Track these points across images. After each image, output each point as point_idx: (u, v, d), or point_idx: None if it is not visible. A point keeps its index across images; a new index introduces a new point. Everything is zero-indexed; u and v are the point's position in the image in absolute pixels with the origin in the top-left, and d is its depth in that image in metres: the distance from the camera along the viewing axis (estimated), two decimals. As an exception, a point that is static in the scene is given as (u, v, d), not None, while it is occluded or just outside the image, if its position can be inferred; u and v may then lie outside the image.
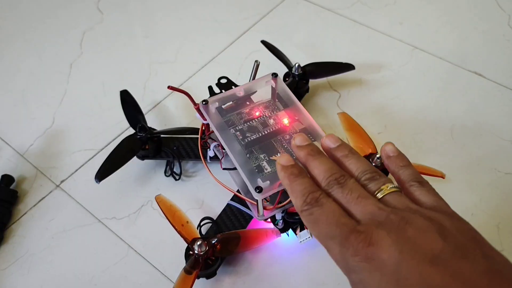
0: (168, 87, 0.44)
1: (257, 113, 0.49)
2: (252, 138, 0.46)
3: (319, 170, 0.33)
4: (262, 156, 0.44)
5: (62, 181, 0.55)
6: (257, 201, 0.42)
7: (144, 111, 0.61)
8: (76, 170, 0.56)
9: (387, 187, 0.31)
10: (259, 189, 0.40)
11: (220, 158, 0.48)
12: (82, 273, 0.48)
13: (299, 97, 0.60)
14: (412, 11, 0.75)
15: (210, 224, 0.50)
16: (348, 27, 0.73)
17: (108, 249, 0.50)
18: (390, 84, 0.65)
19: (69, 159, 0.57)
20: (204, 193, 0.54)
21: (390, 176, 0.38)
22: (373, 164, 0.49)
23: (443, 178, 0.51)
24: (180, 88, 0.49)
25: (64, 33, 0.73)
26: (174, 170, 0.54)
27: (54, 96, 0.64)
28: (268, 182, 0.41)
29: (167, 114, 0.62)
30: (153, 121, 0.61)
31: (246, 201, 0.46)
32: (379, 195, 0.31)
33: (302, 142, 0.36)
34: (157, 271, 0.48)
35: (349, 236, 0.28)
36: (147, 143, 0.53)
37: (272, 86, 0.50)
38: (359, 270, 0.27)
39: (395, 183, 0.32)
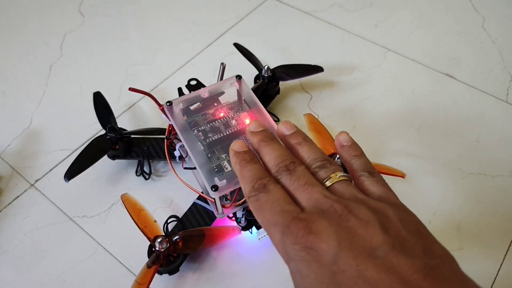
0: (129, 88, 0.46)
1: (222, 114, 0.50)
2: (214, 139, 0.47)
3: (270, 156, 0.32)
4: (223, 155, 0.46)
5: (36, 180, 0.57)
6: (214, 199, 0.43)
7: (119, 112, 0.63)
8: (51, 170, 0.58)
9: (336, 175, 0.30)
10: (215, 188, 0.41)
11: (184, 158, 0.50)
12: (52, 269, 0.49)
13: (270, 99, 0.61)
14: (388, 13, 0.76)
15: (176, 222, 0.51)
16: (323, 29, 0.74)
17: (77, 247, 0.51)
18: (361, 86, 0.66)
19: (44, 159, 0.59)
20: (173, 192, 0.55)
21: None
22: None
23: (403, 177, 0.53)
24: (153, 90, 0.50)
25: (45, 35, 0.74)
26: (145, 169, 0.56)
27: (33, 98, 0.66)
28: (224, 181, 0.42)
29: (141, 115, 0.63)
30: (128, 122, 0.62)
31: (208, 200, 0.47)
32: (327, 183, 0.30)
33: (256, 128, 0.35)
34: (124, 268, 0.49)
35: (291, 223, 0.27)
36: (117, 143, 0.54)
37: (236, 88, 0.51)
38: (298, 260, 0.26)
39: (346, 173, 0.32)
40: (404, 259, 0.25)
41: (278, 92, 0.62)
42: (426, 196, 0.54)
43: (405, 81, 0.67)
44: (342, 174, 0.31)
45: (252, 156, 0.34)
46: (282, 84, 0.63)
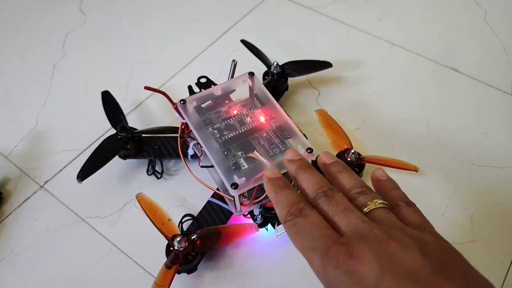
0: (145, 87, 0.45)
1: (235, 112, 0.50)
2: (229, 136, 0.47)
3: (308, 182, 0.33)
4: (239, 153, 0.46)
5: (46, 182, 0.56)
6: (233, 197, 0.43)
7: (126, 111, 0.62)
8: (60, 171, 0.57)
9: (375, 202, 0.31)
10: (235, 186, 0.41)
11: (199, 156, 0.50)
12: (66, 270, 0.49)
13: (279, 95, 0.61)
14: (391, 8, 0.77)
15: (191, 221, 0.51)
16: (328, 25, 0.74)
17: (91, 248, 0.51)
18: (368, 81, 0.66)
19: (52, 159, 0.58)
20: (186, 190, 0.55)
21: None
22: (348, 159, 0.50)
23: (417, 171, 0.53)
24: (160, 88, 0.50)
25: (47, 35, 0.73)
26: (156, 169, 0.55)
27: (37, 98, 0.65)
28: (244, 178, 0.42)
29: (149, 113, 0.63)
30: (136, 121, 0.62)
31: (225, 198, 0.47)
32: (366, 210, 0.30)
33: (294, 157, 0.36)
34: (140, 268, 0.49)
35: (331, 248, 0.27)
36: (128, 142, 0.54)
37: (249, 85, 0.51)
38: (340, 284, 0.27)
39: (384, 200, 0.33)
40: (445, 282, 0.25)
41: (287, 88, 0.62)
42: (438, 190, 0.55)
43: (411, 75, 0.67)
44: (381, 201, 0.31)
45: (286, 182, 0.34)
46: (290, 81, 0.63)
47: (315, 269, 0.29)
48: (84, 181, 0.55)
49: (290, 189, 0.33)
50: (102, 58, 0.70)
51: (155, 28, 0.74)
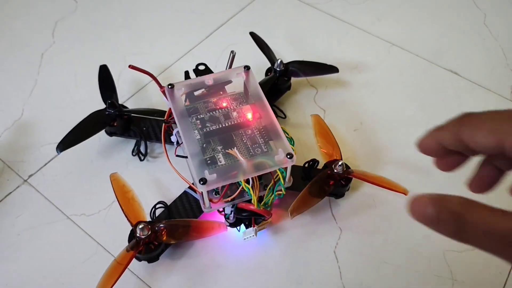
0: (129, 66, 0.44)
1: (224, 104, 0.48)
2: (211, 129, 0.46)
3: None
4: (219, 148, 0.44)
5: (30, 176, 0.54)
6: (202, 192, 0.42)
7: (120, 100, 0.60)
8: (45, 164, 0.55)
9: None
10: (203, 181, 0.40)
11: (179, 144, 0.48)
12: (49, 271, 0.47)
13: (279, 93, 0.59)
14: (391, 7, 0.75)
15: (164, 209, 0.49)
16: (326, 22, 0.73)
17: (76, 247, 0.48)
18: (367, 81, 0.65)
19: (38, 152, 0.55)
20: (166, 176, 0.53)
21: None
22: (335, 170, 0.48)
23: (406, 194, 0.50)
24: (146, 71, 0.48)
25: (36, 22, 0.70)
26: (141, 150, 0.54)
27: (24, 87, 0.62)
28: (214, 175, 0.40)
29: (142, 104, 0.60)
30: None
31: (196, 191, 0.46)
32: None
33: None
34: (127, 270, 0.47)
35: None
36: (115, 120, 0.53)
37: (243, 79, 0.49)
38: None
39: None
40: None
41: (289, 87, 0.60)
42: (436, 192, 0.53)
43: (410, 76, 0.66)
44: None
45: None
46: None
47: None
48: (70, 175, 0.53)
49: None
50: (93, 47, 0.67)
51: (149, 19, 0.72)
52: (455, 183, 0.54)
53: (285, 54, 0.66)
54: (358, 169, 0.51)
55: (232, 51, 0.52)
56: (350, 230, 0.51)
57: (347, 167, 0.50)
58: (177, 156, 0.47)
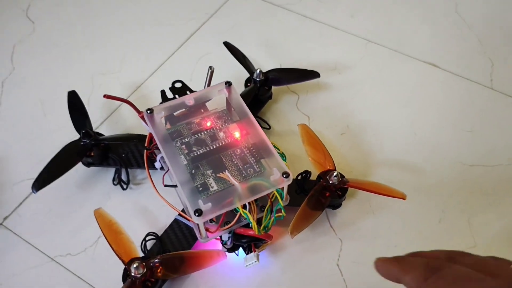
0: (104, 96, 0.41)
1: (208, 124, 0.46)
2: (199, 153, 0.43)
3: (435, 251, 0.30)
4: (209, 172, 0.42)
5: (5, 218, 0.50)
6: (198, 224, 0.39)
7: (94, 125, 0.56)
8: (20, 204, 0.51)
9: None
10: (198, 212, 0.37)
11: (165, 172, 0.45)
12: (38, 321, 0.43)
13: (262, 104, 0.57)
14: (362, 2, 0.74)
15: (155, 240, 0.46)
16: (299, 23, 0.71)
17: (65, 291, 0.45)
18: (348, 81, 0.63)
19: (10, 192, 0.51)
20: (153, 203, 0.50)
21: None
22: (330, 181, 0.47)
23: (404, 199, 0.47)
24: (122, 97, 0.45)
25: (-9, 47, 0.65)
26: (122, 178, 0.51)
27: (-14, 121, 0.57)
28: (209, 204, 0.38)
29: (117, 127, 0.57)
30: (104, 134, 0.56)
31: (190, 221, 0.43)
32: None
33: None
34: (124, 310, 0.44)
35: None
36: (92, 149, 0.50)
37: (225, 96, 0.47)
38: None
39: None
40: None
41: (270, 97, 0.58)
42: (432, 194, 0.52)
43: (391, 72, 0.65)
44: None
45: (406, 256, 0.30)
46: (268, 86, 0.59)
47: None
48: (49, 212, 0.50)
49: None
50: (57, 71, 0.63)
51: (114, 35, 0.68)
52: (447, 184, 0.53)
53: (262, 60, 0.64)
54: (353, 178, 0.49)
55: (210, 67, 0.49)
56: (351, 240, 0.49)
57: (342, 176, 0.48)
58: (166, 186, 0.44)
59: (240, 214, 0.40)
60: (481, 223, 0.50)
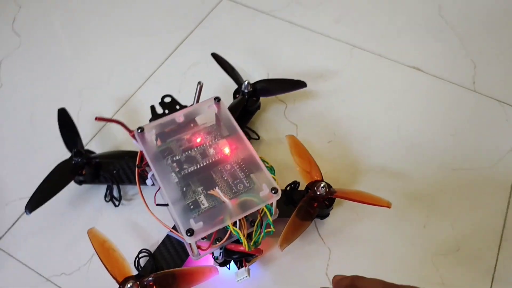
0: (96, 118, 0.42)
1: (199, 140, 0.46)
2: (190, 170, 0.44)
3: (373, 282, 0.33)
4: (199, 189, 0.42)
5: (-2, 238, 0.50)
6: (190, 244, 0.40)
7: (84, 141, 0.57)
8: (13, 224, 0.51)
9: None
10: (190, 232, 0.38)
11: (156, 191, 0.46)
12: None
13: (250, 115, 0.58)
14: (346, 8, 0.74)
15: (148, 257, 0.47)
16: (285, 30, 0.71)
17: (61, 310, 0.46)
18: (334, 88, 0.64)
19: (3, 212, 0.52)
20: (145, 219, 0.51)
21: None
22: (318, 192, 0.48)
23: (389, 207, 0.48)
24: (116, 114, 0.46)
25: (-23, 63, 0.65)
26: (114, 194, 0.52)
27: (-24, 139, 0.58)
28: (201, 223, 0.39)
29: (107, 143, 0.58)
30: (96, 147, 0.56)
31: (182, 239, 0.44)
32: None
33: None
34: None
35: None
36: (83, 168, 0.50)
37: (214, 112, 0.48)
38: None
39: None
40: None
41: (258, 107, 0.58)
42: (416, 199, 0.54)
43: (376, 78, 0.66)
44: None
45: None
46: (255, 96, 0.60)
47: None
48: (42, 232, 0.51)
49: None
50: (45, 85, 0.63)
51: (100, 47, 0.68)
52: (431, 188, 0.54)
53: (249, 69, 0.65)
54: (340, 188, 0.50)
55: (199, 82, 0.50)
56: (339, 248, 0.50)
57: (329, 186, 0.49)
58: (158, 205, 0.45)
59: (231, 231, 0.41)
60: (464, 227, 0.52)
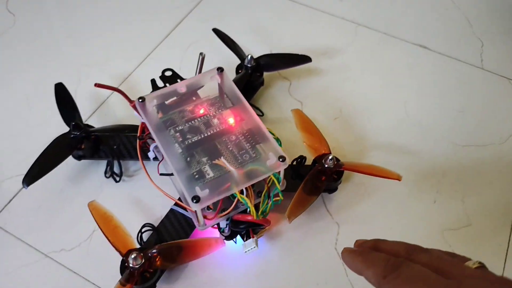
0: (95, 84, 0.41)
1: (202, 111, 0.45)
2: (193, 140, 0.42)
3: (396, 244, 0.31)
4: (204, 159, 0.41)
5: (-6, 216, 0.48)
6: (195, 211, 0.39)
7: (84, 117, 0.55)
8: (10, 201, 0.49)
9: (471, 262, 0.29)
10: (196, 199, 0.37)
11: (159, 161, 0.44)
12: (35, 319, 0.42)
13: (254, 91, 0.56)
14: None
15: (152, 231, 0.46)
16: (288, 8, 0.70)
17: (62, 287, 0.44)
18: (339, 66, 0.63)
19: (-1, 189, 0.50)
20: (147, 194, 0.50)
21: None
22: (326, 165, 0.46)
23: (399, 180, 0.47)
24: (115, 87, 0.44)
25: (-29, 41, 0.63)
26: (115, 170, 0.50)
27: (-30, 117, 0.56)
28: (207, 190, 0.37)
29: (107, 120, 0.56)
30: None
31: (187, 209, 0.42)
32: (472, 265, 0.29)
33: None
34: (122, 303, 0.43)
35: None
36: (82, 142, 0.48)
37: (218, 82, 0.46)
38: None
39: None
40: None
41: (262, 83, 0.57)
42: (426, 175, 0.52)
43: (381, 56, 0.64)
44: (476, 261, 0.29)
45: (369, 250, 0.32)
46: (259, 72, 0.58)
47: None
48: (40, 208, 0.49)
49: (377, 252, 0.31)
50: (41, 63, 0.62)
51: (98, 25, 0.66)
52: (441, 164, 0.53)
53: (251, 47, 0.63)
54: (348, 161, 0.49)
55: (201, 53, 0.48)
56: (348, 223, 0.49)
57: (337, 159, 0.48)
58: (161, 175, 0.43)
59: (238, 200, 0.39)
60: (475, 202, 0.51)
